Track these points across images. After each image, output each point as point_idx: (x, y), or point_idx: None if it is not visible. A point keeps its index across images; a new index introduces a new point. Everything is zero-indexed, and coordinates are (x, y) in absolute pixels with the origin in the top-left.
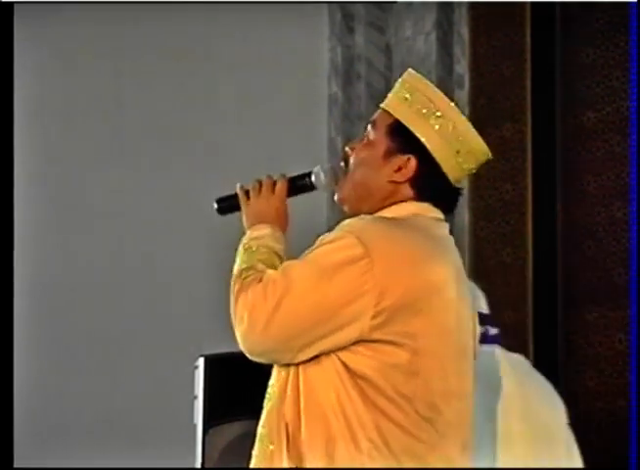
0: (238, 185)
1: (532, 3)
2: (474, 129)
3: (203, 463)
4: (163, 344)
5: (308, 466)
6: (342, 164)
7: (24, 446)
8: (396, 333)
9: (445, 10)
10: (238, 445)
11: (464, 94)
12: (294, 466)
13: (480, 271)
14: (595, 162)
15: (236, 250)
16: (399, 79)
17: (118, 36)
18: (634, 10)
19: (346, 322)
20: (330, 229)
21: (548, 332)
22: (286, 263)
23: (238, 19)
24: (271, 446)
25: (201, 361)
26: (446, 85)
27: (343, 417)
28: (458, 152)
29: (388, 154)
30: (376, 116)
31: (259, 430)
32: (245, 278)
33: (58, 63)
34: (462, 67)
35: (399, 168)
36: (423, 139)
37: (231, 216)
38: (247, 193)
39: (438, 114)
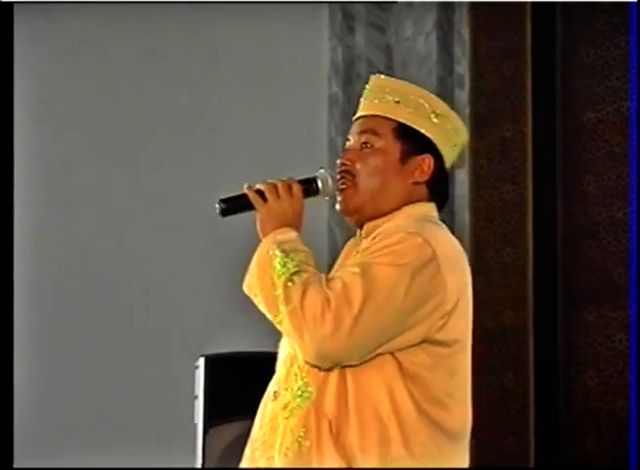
0: (245, 185)
1: (533, 3)
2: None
3: (203, 463)
4: (164, 344)
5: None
6: (338, 176)
7: (24, 446)
8: (451, 333)
9: (446, 10)
10: (238, 444)
11: (464, 94)
12: (344, 464)
13: (480, 271)
14: (595, 162)
15: (238, 251)
16: (371, 86)
17: (118, 37)
18: (634, 10)
19: (416, 323)
20: (330, 229)
21: (548, 332)
22: (362, 265)
23: (238, 19)
24: (307, 443)
25: (201, 361)
26: (447, 85)
27: (397, 420)
28: (455, 145)
29: (405, 156)
30: (370, 124)
31: (290, 426)
32: (305, 282)
33: (58, 63)
34: (462, 67)
35: (416, 169)
36: (431, 137)
37: (233, 217)
38: (259, 194)
39: (438, 111)
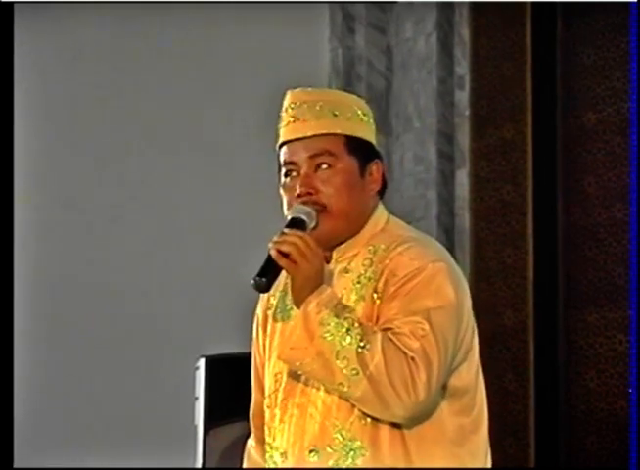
0: (270, 245)
1: (533, 3)
2: None
3: (203, 464)
4: (164, 344)
5: None
6: (306, 207)
7: (24, 446)
8: (475, 338)
9: (446, 11)
10: (238, 445)
11: (464, 95)
12: None
13: (480, 272)
14: (595, 163)
15: (237, 253)
16: (296, 103)
17: (119, 36)
18: (634, 10)
19: (461, 345)
20: None
21: (549, 333)
22: (422, 315)
23: (238, 19)
24: (366, 453)
25: (201, 362)
26: (447, 86)
27: (459, 450)
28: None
29: (362, 169)
30: (321, 144)
31: (340, 441)
32: (381, 346)
33: (58, 63)
34: (462, 68)
35: (371, 178)
36: (370, 140)
37: (231, 217)
38: (284, 256)
39: (364, 110)
